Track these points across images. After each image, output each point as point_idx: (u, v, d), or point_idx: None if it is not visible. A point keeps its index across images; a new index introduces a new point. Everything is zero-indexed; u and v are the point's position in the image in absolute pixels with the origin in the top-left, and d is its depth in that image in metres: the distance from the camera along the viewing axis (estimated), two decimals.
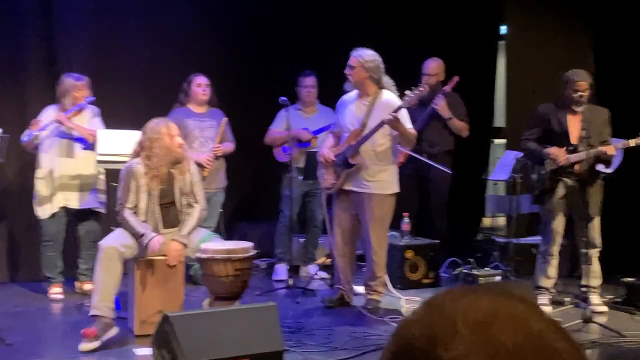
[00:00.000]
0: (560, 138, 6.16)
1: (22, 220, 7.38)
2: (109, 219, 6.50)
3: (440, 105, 7.51)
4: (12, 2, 7.38)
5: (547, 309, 6.13)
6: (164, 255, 5.45)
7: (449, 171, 7.42)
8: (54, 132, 6.67)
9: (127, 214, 5.47)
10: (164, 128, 5.57)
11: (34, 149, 6.70)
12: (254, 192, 8.62)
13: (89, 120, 6.77)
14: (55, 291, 6.77)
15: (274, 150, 7.59)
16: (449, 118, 7.57)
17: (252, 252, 5.47)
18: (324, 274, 7.31)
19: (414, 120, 6.28)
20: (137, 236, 5.40)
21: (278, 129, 7.47)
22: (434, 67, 7.65)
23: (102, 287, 5.25)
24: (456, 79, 7.54)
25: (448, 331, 0.86)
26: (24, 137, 6.54)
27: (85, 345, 5.10)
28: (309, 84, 7.56)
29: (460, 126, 7.63)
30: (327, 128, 7.20)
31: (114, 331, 5.24)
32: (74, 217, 6.88)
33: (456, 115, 7.59)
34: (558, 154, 6.09)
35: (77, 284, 6.97)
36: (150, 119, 5.70)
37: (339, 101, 6.42)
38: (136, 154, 5.60)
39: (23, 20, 7.42)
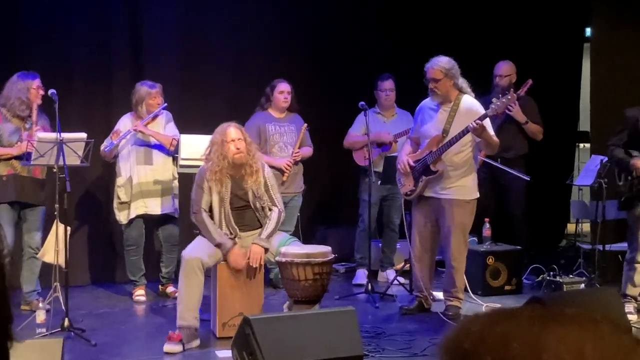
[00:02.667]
0: None
1: (104, 224, 7.58)
2: (186, 223, 6.60)
3: (515, 109, 7.40)
4: (104, 17, 7.63)
5: (633, 318, 5.97)
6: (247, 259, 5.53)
7: (527, 178, 7.29)
8: (131, 141, 6.81)
9: (205, 217, 5.56)
10: (218, 135, 5.65)
11: (114, 158, 6.86)
12: (333, 196, 8.64)
13: (163, 126, 6.90)
14: (139, 293, 6.92)
15: (353, 154, 7.57)
16: (525, 122, 7.44)
17: (331, 256, 5.47)
18: (402, 279, 7.25)
19: None
20: (214, 243, 5.48)
21: (357, 133, 7.45)
22: (505, 68, 7.54)
23: (186, 297, 5.36)
24: (530, 82, 7.42)
25: None
26: (106, 147, 6.70)
27: (170, 347, 5.21)
28: (387, 88, 7.52)
29: (535, 130, 7.51)
30: (405, 132, 7.18)
31: (196, 342, 5.36)
32: (154, 222, 7.01)
33: (530, 119, 7.47)
34: None
35: (160, 287, 7.11)
36: (245, 129, 5.81)
37: (418, 107, 6.36)
38: (207, 158, 5.71)
39: (114, 34, 7.68)
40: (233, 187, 5.63)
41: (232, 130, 5.65)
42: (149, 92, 6.81)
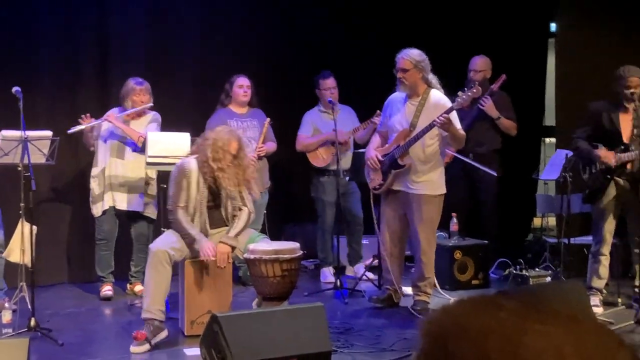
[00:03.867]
0: (612, 136, 6.06)
1: (76, 222, 7.53)
2: (160, 223, 6.57)
3: (488, 104, 7.45)
4: (70, 13, 7.56)
5: (599, 310, 6.04)
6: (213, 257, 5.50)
7: (494, 173, 7.33)
8: (108, 133, 6.78)
9: (181, 215, 5.51)
10: (223, 141, 5.55)
11: (92, 146, 6.82)
12: (300, 193, 8.63)
13: (144, 125, 6.85)
14: (106, 288, 6.88)
15: (308, 156, 7.48)
16: (497, 118, 7.49)
17: (300, 253, 5.48)
18: (371, 275, 7.28)
19: (460, 120, 6.23)
20: (189, 240, 5.46)
21: (307, 134, 7.45)
22: (480, 63, 7.59)
23: (152, 290, 5.33)
24: (503, 77, 7.46)
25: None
26: (70, 129, 6.59)
27: (135, 348, 5.18)
28: (330, 86, 7.42)
29: (509, 125, 7.55)
30: (355, 130, 7.20)
31: (164, 334, 5.31)
32: (126, 218, 6.97)
33: (504, 114, 7.51)
34: (608, 157, 5.99)
35: (128, 286, 7.07)
36: (207, 126, 5.75)
37: (386, 101, 6.37)
38: (196, 151, 5.65)
39: (80, 30, 7.60)
40: (211, 185, 5.61)
41: (234, 145, 5.58)
42: (133, 88, 6.81)
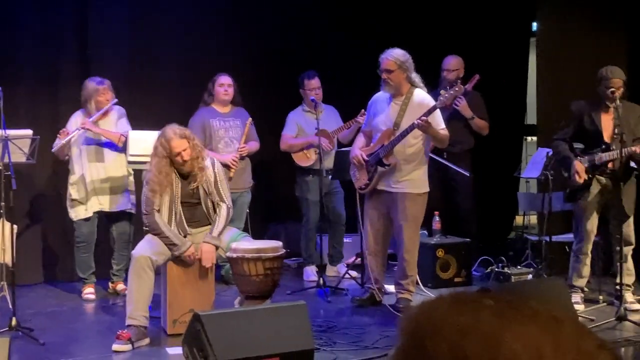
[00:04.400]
0: (593, 136, 6.09)
1: (55, 222, 7.48)
2: (140, 220, 6.55)
3: (462, 104, 7.47)
4: (51, 11, 7.51)
5: (580, 308, 6.07)
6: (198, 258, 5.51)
7: (467, 173, 7.34)
8: (82, 139, 6.73)
9: (157, 219, 5.49)
10: (161, 148, 5.51)
11: (66, 156, 6.77)
12: (283, 192, 8.63)
13: (115, 122, 6.83)
14: (88, 292, 6.84)
15: (293, 156, 7.47)
16: (471, 117, 7.52)
17: (282, 251, 5.48)
18: (354, 273, 7.28)
19: None
20: (169, 244, 5.44)
21: (291, 134, 7.44)
22: (453, 62, 7.61)
23: (135, 296, 5.32)
24: (477, 77, 7.48)
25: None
26: (53, 147, 6.61)
27: (118, 346, 5.16)
28: (315, 86, 7.40)
29: (481, 125, 7.59)
30: (340, 129, 7.19)
31: (146, 341, 5.32)
32: (107, 219, 6.94)
33: (477, 114, 7.54)
34: (578, 174, 6.02)
35: (110, 285, 7.03)
36: (170, 124, 5.69)
37: (370, 100, 6.38)
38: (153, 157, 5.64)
39: (60, 28, 7.56)
40: (183, 185, 5.59)
41: (175, 144, 5.48)
42: (96, 89, 6.72)
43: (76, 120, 6.75)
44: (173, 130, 5.55)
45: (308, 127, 7.35)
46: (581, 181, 6.04)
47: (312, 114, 7.24)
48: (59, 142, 6.58)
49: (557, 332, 0.86)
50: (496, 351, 0.84)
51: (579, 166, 6.07)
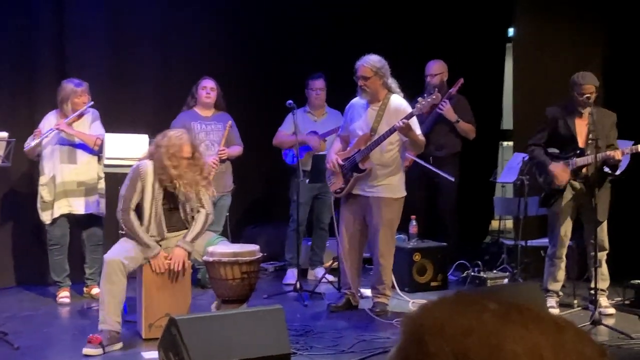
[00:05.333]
0: (568, 141, 6.14)
1: (27, 224, 7.40)
2: (112, 223, 6.51)
3: (446, 108, 7.50)
4: (27, 11, 7.43)
5: (555, 312, 6.11)
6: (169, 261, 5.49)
7: (451, 178, 7.37)
8: (55, 139, 6.69)
9: (132, 217, 5.48)
10: (175, 146, 5.51)
11: (37, 156, 6.73)
12: (262, 196, 8.64)
13: (89, 124, 6.79)
14: (63, 295, 6.79)
15: (283, 153, 7.57)
16: (456, 121, 7.55)
17: (259, 255, 5.47)
18: (331, 277, 7.29)
19: (420, 124, 6.28)
20: (141, 244, 5.42)
21: (287, 132, 7.45)
22: (436, 67, 7.64)
23: (107, 301, 5.28)
24: (461, 81, 7.52)
25: None
26: (26, 145, 6.58)
27: (89, 350, 5.13)
28: (318, 87, 7.52)
29: (467, 128, 7.61)
30: (334, 131, 7.19)
31: (118, 345, 5.28)
32: (77, 222, 6.89)
33: (463, 118, 7.57)
34: (561, 177, 6.07)
35: (85, 289, 6.99)
36: (170, 128, 5.71)
37: (348, 105, 6.40)
38: (150, 156, 5.60)
39: (34, 25, 7.47)
40: (167, 188, 5.57)
41: (186, 149, 5.55)
42: (74, 91, 6.68)
43: (49, 121, 6.71)
44: (183, 134, 5.65)
45: (305, 128, 7.37)
46: (564, 182, 6.07)
47: (313, 116, 7.43)
48: (31, 142, 6.55)
49: (560, 337, 0.87)
50: (497, 353, 0.85)
51: (559, 169, 6.10)
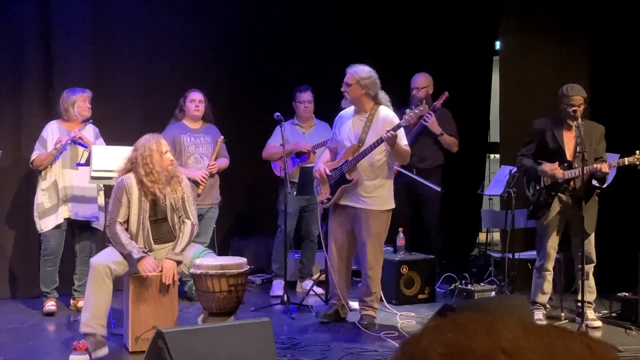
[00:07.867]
0: (555, 154, 6.15)
1: (22, 237, 7.36)
2: (104, 236, 6.49)
3: (431, 121, 7.53)
4: (11, 20, 7.40)
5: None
6: (159, 272, 5.45)
7: (438, 189, 7.39)
8: (60, 144, 6.70)
9: (119, 229, 5.45)
10: (154, 145, 5.56)
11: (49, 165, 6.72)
12: (249, 208, 8.62)
13: (93, 139, 6.82)
14: (50, 304, 6.75)
15: (272, 165, 7.56)
16: (440, 134, 7.57)
17: (246, 268, 5.46)
18: (319, 290, 7.28)
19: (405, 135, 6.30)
20: (125, 254, 5.39)
21: (276, 144, 7.44)
22: (422, 80, 7.68)
23: (93, 304, 5.25)
24: (446, 94, 7.55)
25: None
26: (36, 157, 6.63)
27: (75, 357, 5.09)
28: (306, 99, 7.53)
29: (450, 142, 7.65)
30: (322, 144, 7.19)
31: (104, 350, 5.23)
32: (74, 230, 6.86)
33: (446, 131, 7.60)
34: (554, 170, 6.09)
35: (72, 302, 6.94)
36: (142, 135, 5.70)
37: (337, 116, 6.42)
38: (127, 170, 5.59)
39: (23, 40, 7.44)
40: (153, 200, 5.56)
41: (163, 142, 5.62)
42: (81, 95, 6.75)
43: (52, 129, 6.73)
44: (154, 134, 5.72)
45: (292, 140, 7.37)
46: (560, 176, 6.07)
47: (301, 128, 7.45)
48: (46, 153, 6.56)
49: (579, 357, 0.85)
50: None
51: (548, 166, 6.11)
